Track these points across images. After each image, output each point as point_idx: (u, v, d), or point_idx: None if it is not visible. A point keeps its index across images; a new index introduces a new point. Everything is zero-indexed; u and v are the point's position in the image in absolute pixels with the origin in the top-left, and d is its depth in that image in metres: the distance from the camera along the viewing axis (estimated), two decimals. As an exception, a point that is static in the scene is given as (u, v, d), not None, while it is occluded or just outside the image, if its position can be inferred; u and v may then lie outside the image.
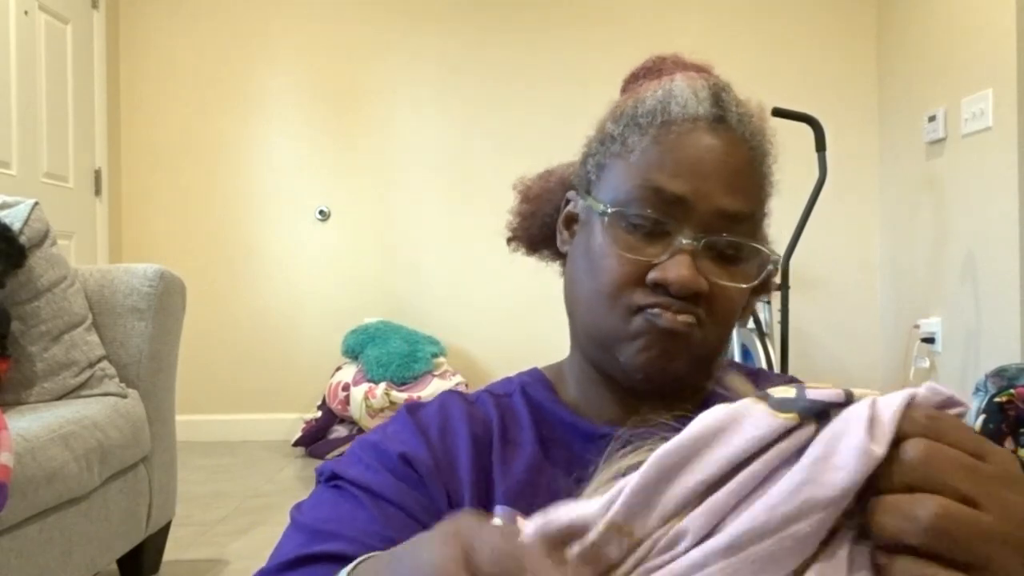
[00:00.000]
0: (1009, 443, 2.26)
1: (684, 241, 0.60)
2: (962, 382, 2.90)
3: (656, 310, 0.60)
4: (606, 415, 0.66)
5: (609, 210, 0.62)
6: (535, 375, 0.73)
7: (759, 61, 3.56)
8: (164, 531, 2.02)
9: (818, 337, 3.59)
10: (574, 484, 0.45)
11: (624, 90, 0.74)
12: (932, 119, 3.07)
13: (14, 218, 1.77)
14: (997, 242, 2.69)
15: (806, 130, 2.67)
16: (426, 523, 0.58)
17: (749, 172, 0.63)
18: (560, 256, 0.75)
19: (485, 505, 0.60)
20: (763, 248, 0.63)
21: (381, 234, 3.69)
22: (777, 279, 2.71)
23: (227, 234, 3.68)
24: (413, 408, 0.69)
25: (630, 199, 0.62)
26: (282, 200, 3.68)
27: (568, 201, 0.71)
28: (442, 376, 3.21)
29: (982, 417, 2.31)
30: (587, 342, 0.67)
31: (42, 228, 1.82)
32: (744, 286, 0.62)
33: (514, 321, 3.59)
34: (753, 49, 3.57)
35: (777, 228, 0.65)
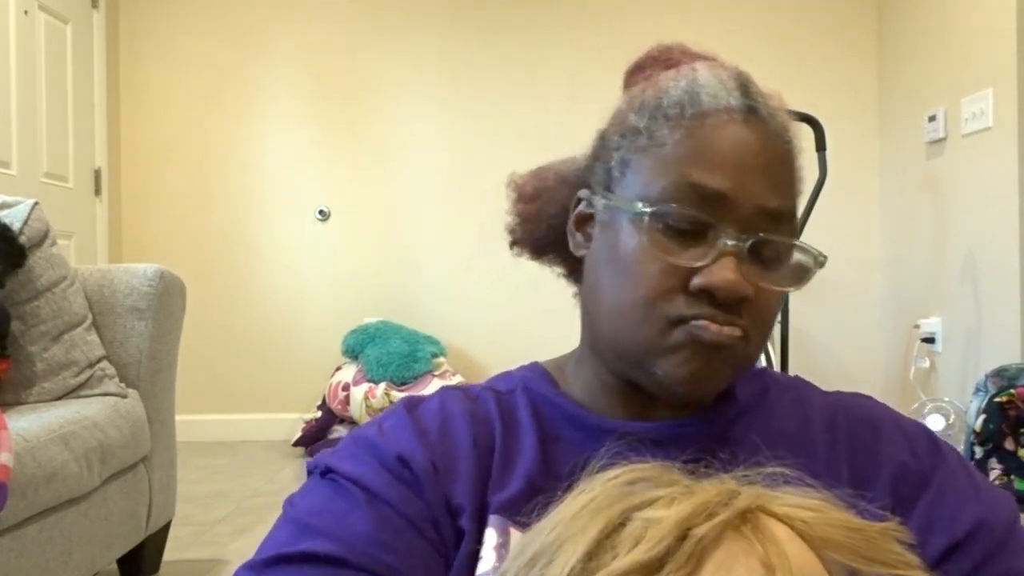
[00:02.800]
0: (1009, 443, 2.26)
1: (728, 243, 0.55)
2: (962, 382, 2.90)
3: (701, 322, 0.55)
4: (612, 413, 0.64)
5: (647, 210, 0.56)
6: (536, 369, 0.69)
7: (759, 61, 3.53)
8: (164, 531, 2.02)
9: (818, 337, 3.59)
10: (569, 489, 0.45)
11: (628, 82, 0.68)
12: (932, 119, 3.07)
13: (14, 218, 1.77)
14: (997, 242, 2.69)
15: (806, 130, 2.68)
16: (420, 527, 0.56)
17: (786, 168, 0.59)
18: (567, 261, 0.70)
19: (481, 513, 0.58)
20: (811, 249, 0.58)
21: (381, 234, 3.69)
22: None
23: (227, 234, 3.68)
24: (412, 405, 0.66)
25: (665, 197, 0.56)
26: (282, 200, 3.68)
27: (580, 200, 0.65)
28: (442, 376, 3.21)
29: (982, 417, 2.30)
30: (613, 356, 0.62)
31: (42, 228, 1.82)
32: (789, 289, 0.58)
33: (514, 321, 3.59)
34: (753, 49, 3.57)
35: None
